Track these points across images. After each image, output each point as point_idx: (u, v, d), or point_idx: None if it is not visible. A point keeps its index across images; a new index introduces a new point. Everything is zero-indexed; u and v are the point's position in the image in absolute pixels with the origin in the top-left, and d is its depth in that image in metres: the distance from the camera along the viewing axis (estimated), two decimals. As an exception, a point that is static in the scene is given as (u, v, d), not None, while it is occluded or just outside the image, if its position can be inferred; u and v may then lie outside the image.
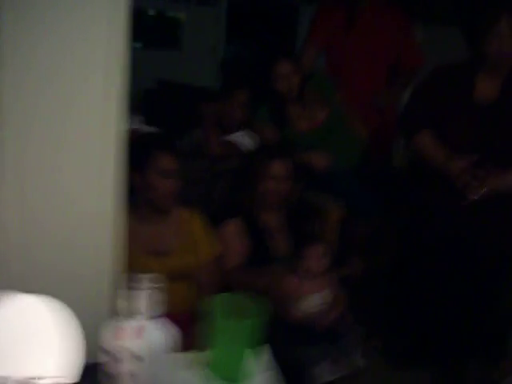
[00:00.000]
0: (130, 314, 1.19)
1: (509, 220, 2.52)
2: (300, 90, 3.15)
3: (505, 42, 2.28)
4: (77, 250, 1.32)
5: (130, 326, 1.18)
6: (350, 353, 2.43)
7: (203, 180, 2.82)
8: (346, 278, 3.09)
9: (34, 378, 0.98)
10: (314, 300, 2.53)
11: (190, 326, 2.17)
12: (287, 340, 2.41)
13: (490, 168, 2.40)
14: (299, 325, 2.49)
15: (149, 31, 6.32)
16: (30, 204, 1.24)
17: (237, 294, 1.41)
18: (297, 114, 3.18)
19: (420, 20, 4.06)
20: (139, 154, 2.28)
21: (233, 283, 2.51)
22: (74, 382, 1.05)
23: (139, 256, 2.27)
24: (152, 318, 1.20)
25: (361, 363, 2.41)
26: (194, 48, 6.26)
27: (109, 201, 1.31)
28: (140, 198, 2.31)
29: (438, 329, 2.69)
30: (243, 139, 3.08)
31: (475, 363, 2.70)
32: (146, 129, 2.98)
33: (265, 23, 6.82)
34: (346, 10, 3.58)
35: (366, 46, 3.58)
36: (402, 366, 2.80)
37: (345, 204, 3.12)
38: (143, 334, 1.17)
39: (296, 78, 3.11)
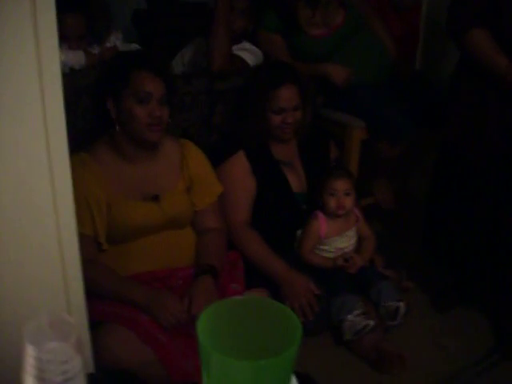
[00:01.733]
0: None
1: None
2: None
3: None
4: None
5: None
6: (384, 299, 2.11)
7: (200, 104, 2.35)
8: (375, 211, 2.72)
9: None
10: (342, 241, 2.17)
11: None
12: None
13: None
14: (326, 271, 2.17)
15: None
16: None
17: (254, 298, 0.88)
18: (310, 18, 2.69)
19: None
20: (113, 75, 1.85)
21: (240, 239, 2.15)
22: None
23: (127, 202, 1.87)
24: None
25: (393, 305, 2.10)
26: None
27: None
28: (119, 131, 1.87)
29: (481, 265, 2.30)
30: (246, 53, 2.60)
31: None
32: (125, 47, 2.50)
33: None
34: None
35: None
36: (446, 307, 2.44)
37: (369, 124, 2.67)
38: None
39: None
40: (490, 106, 2.12)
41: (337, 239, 2.18)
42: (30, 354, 0.53)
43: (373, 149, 2.73)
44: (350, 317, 2.05)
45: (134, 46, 2.62)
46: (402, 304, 2.08)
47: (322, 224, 2.16)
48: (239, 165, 2.19)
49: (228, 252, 2.08)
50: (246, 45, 2.67)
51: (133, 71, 1.83)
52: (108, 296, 1.76)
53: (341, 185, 2.15)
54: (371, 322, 2.04)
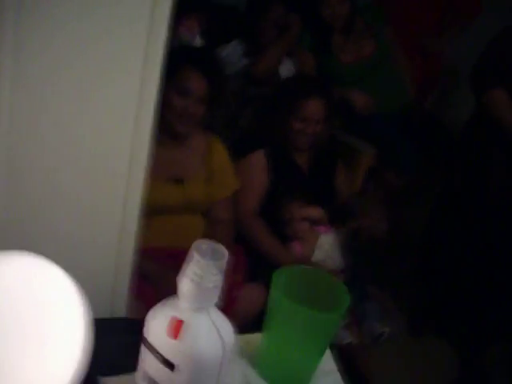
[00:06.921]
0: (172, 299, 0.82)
1: None
2: (348, 19, 2.85)
3: None
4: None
5: (164, 316, 0.81)
6: (369, 318, 2.23)
7: (230, 104, 2.50)
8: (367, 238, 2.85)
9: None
10: (323, 243, 2.27)
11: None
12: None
13: None
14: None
15: None
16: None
17: (313, 269, 1.07)
18: (342, 44, 2.89)
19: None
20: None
21: (250, 228, 2.26)
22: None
23: (151, 182, 2.00)
24: (203, 309, 0.80)
25: (378, 329, 2.21)
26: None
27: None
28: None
29: (464, 302, 2.46)
30: (282, 65, 2.76)
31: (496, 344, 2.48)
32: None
33: None
34: None
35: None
36: (419, 332, 2.61)
37: (379, 152, 2.84)
38: (183, 334, 0.79)
39: (345, 7, 2.83)
40: (495, 162, 2.29)
41: (319, 244, 2.27)
42: (194, 263, 0.70)
43: (378, 177, 2.89)
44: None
45: None
46: (387, 330, 2.19)
47: (299, 248, 2.26)
48: (257, 162, 2.31)
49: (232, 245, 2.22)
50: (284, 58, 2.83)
51: (181, 65, 1.95)
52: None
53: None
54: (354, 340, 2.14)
